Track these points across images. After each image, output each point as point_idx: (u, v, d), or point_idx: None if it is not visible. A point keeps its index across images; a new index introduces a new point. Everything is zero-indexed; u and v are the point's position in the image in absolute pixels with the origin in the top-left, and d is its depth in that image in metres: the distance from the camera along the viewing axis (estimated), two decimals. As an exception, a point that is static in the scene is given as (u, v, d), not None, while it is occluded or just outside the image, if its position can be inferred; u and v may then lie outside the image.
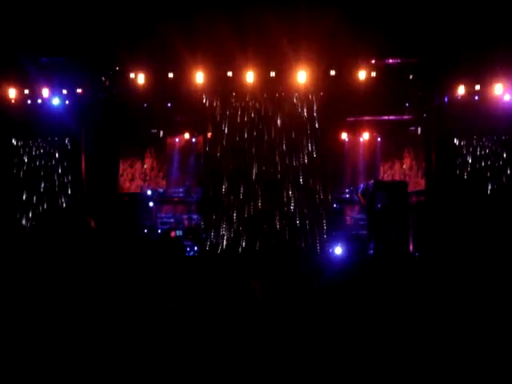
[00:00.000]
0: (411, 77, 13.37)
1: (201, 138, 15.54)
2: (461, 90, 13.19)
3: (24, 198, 14.44)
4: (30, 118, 14.09)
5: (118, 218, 13.47)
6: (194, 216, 15.10)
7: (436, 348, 2.05)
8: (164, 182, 16.12)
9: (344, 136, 16.38)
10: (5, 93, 13.66)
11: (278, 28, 11.83)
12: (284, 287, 4.49)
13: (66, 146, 14.68)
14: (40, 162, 14.67)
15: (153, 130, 15.86)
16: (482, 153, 14.02)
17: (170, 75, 13.29)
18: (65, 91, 13.78)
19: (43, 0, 11.65)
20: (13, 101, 13.80)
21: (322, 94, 13.99)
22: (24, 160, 14.67)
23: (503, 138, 13.91)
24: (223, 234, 13.62)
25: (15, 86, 13.70)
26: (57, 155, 14.70)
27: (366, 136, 16.37)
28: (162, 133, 16.02)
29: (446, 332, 2.00)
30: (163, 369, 2.62)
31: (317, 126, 14.06)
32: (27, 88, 13.76)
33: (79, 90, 13.68)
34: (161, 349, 2.68)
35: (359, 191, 13.84)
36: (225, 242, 13.49)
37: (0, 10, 11.52)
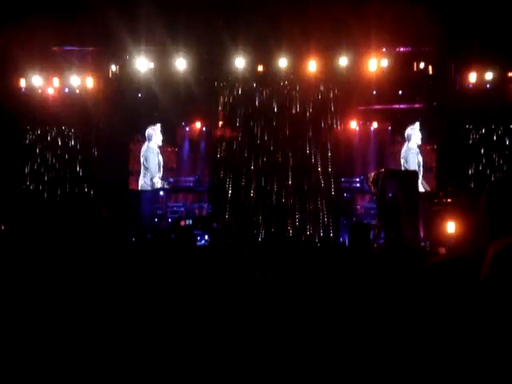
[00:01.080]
0: (422, 65, 13.30)
1: (212, 127, 15.51)
2: (472, 79, 13.13)
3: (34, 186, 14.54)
4: (40, 106, 14.13)
5: (128, 207, 13.53)
6: (205, 205, 15.11)
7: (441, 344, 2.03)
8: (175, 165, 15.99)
9: (354, 125, 16.31)
10: (16, 82, 13.71)
11: (289, 17, 11.77)
12: (294, 278, 4.48)
13: (77, 134, 14.73)
14: (52, 151, 14.76)
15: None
16: (494, 141, 13.97)
17: (181, 65, 13.32)
18: (75, 80, 13.83)
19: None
20: (23, 89, 13.86)
21: (331, 85, 13.97)
22: (35, 149, 14.74)
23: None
24: (233, 225, 13.67)
25: (25, 76, 13.73)
26: (69, 144, 14.77)
27: (376, 125, 16.30)
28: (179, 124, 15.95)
29: (452, 327, 1.98)
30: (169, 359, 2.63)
31: (328, 114, 14.06)
32: (38, 77, 13.79)
33: (89, 79, 13.73)
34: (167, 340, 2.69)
35: (370, 180, 13.79)
36: (234, 233, 13.53)
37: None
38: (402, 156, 14.82)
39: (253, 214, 13.76)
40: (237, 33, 12.46)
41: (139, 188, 15.19)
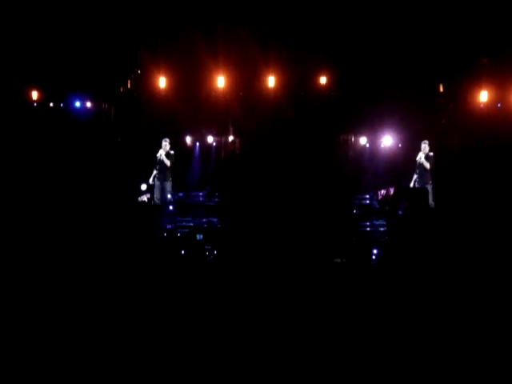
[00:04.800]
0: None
1: (222, 142, 15.55)
2: (483, 97, 13.11)
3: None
4: (47, 121, 14.08)
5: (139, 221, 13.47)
6: (214, 220, 15.08)
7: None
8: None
9: (365, 141, 16.31)
10: (27, 95, 13.73)
11: (297, 31, 11.86)
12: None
13: (89, 148, 14.68)
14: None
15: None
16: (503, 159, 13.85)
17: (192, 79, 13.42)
18: (86, 94, 13.91)
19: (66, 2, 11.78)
20: (35, 104, 13.87)
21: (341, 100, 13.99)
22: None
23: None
24: (240, 239, 13.63)
25: (37, 89, 13.75)
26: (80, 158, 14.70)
27: (386, 141, 16.28)
28: (188, 138, 15.96)
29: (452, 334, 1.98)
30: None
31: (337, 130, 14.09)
32: (48, 91, 13.82)
33: (101, 93, 13.80)
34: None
35: (379, 197, 13.74)
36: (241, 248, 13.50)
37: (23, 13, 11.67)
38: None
39: (264, 229, 13.71)
40: (245, 47, 12.54)
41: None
